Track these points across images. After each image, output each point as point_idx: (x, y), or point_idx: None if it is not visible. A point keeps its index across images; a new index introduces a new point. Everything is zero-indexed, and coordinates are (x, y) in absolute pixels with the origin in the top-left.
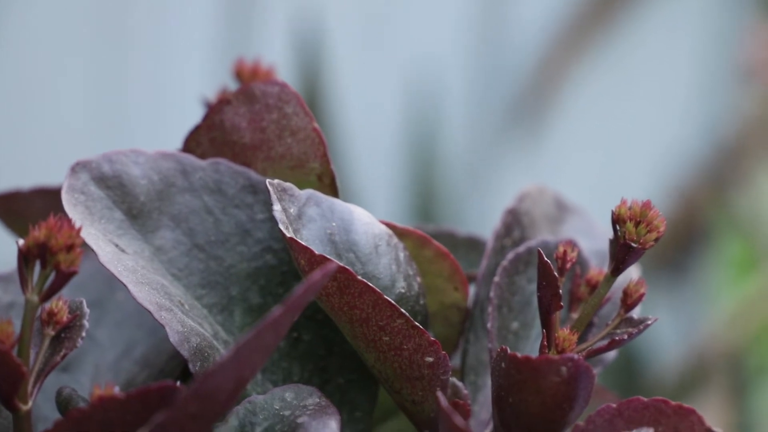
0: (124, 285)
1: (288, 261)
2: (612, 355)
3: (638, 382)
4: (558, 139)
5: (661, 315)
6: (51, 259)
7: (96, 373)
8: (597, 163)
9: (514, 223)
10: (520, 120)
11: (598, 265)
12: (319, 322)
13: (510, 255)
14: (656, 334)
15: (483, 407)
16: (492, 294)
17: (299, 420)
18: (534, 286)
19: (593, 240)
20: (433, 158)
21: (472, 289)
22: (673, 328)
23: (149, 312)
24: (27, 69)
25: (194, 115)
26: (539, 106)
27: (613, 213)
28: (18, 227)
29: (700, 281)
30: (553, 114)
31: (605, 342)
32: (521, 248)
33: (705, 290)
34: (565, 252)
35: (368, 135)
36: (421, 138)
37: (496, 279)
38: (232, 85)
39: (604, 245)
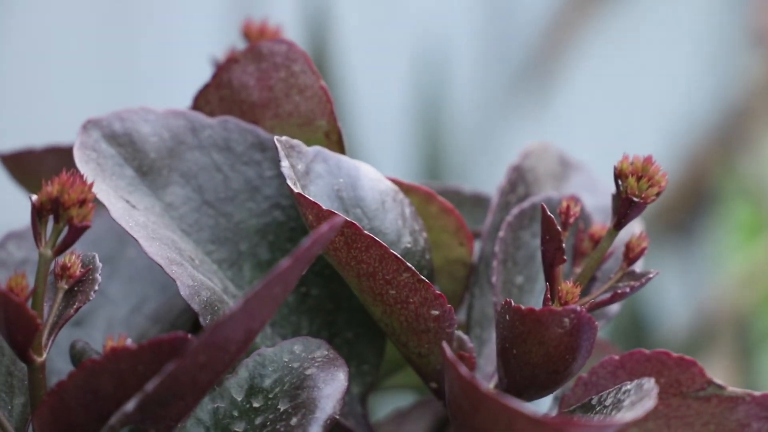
0: (136, 240)
1: (296, 217)
2: (615, 309)
3: (645, 344)
4: (565, 103)
5: (669, 278)
6: (64, 213)
7: (108, 328)
8: (604, 127)
9: (519, 180)
10: (528, 83)
11: (601, 221)
12: (326, 278)
13: (514, 210)
14: (663, 297)
15: (488, 360)
16: (497, 249)
17: (308, 372)
18: (538, 241)
19: (597, 196)
20: (440, 120)
21: (477, 245)
22: (681, 292)
23: (160, 266)
24: (38, 29)
25: (203, 75)
26: (547, 70)
27: (615, 168)
28: (31, 185)
29: (707, 245)
30: (560, 78)
31: (608, 295)
32: (525, 204)
33: (712, 254)
34: (568, 207)
35: (376, 97)
36: (428, 100)
37: (501, 234)
38: (241, 46)
39: (607, 201)
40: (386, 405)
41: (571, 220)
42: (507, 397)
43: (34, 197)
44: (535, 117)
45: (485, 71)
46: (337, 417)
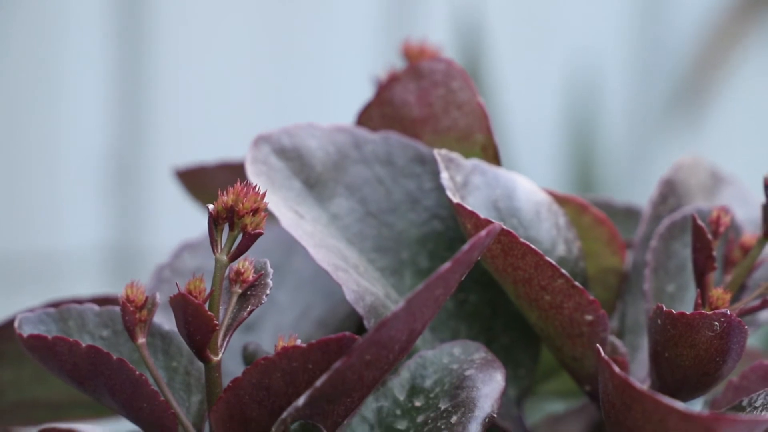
0: (304, 248)
1: (454, 227)
2: (765, 316)
3: None
4: (717, 121)
5: None
6: (238, 221)
7: (276, 333)
8: (757, 147)
9: (670, 192)
10: (680, 101)
11: (752, 232)
12: (484, 285)
13: (666, 221)
14: None
15: (640, 366)
16: (648, 258)
17: (467, 373)
18: (689, 252)
19: (747, 208)
20: (591, 136)
21: (629, 255)
22: None
23: (327, 272)
24: (203, 52)
25: (358, 92)
26: (699, 89)
27: (765, 178)
28: (203, 199)
29: None
30: (712, 100)
31: (758, 302)
32: (677, 215)
33: None
34: (718, 217)
35: (528, 113)
36: (580, 117)
37: (653, 244)
38: (399, 65)
39: (758, 214)
40: (539, 413)
41: (722, 229)
42: (659, 394)
43: (211, 206)
44: (686, 136)
45: (637, 89)
46: (495, 416)
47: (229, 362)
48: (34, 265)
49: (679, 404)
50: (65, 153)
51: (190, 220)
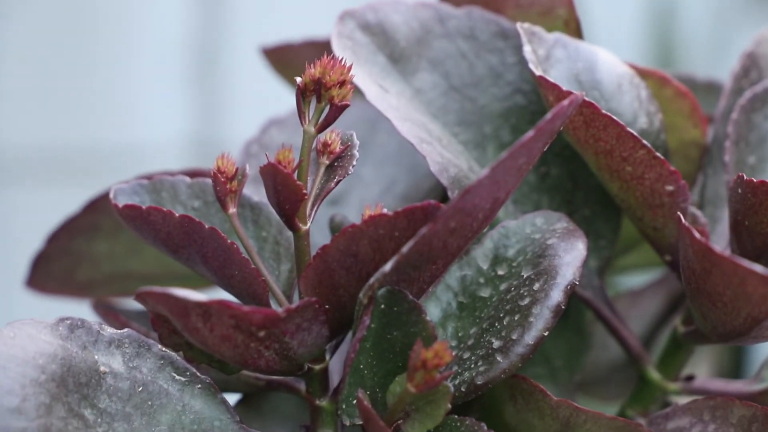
0: (389, 121)
1: (536, 101)
2: None
3: None
4: None
5: None
6: (325, 93)
7: (361, 206)
8: None
9: (752, 66)
10: None
11: None
12: (566, 158)
13: (747, 94)
14: None
15: (720, 237)
16: (729, 130)
17: (549, 242)
18: None
19: None
20: (673, 21)
21: (710, 129)
22: None
23: (412, 144)
24: None
25: None
26: None
27: None
28: (289, 76)
29: None
30: None
31: None
32: (758, 87)
33: None
34: None
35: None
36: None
37: (734, 116)
38: None
39: None
40: (617, 289)
41: None
42: (739, 258)
43: (299, 79)
44: None
45: None
46: (577, 284)
47: (317, 235)
48: (114, 157)
49: (758, 267)
50: (145, 43)
51: (271, 110)
